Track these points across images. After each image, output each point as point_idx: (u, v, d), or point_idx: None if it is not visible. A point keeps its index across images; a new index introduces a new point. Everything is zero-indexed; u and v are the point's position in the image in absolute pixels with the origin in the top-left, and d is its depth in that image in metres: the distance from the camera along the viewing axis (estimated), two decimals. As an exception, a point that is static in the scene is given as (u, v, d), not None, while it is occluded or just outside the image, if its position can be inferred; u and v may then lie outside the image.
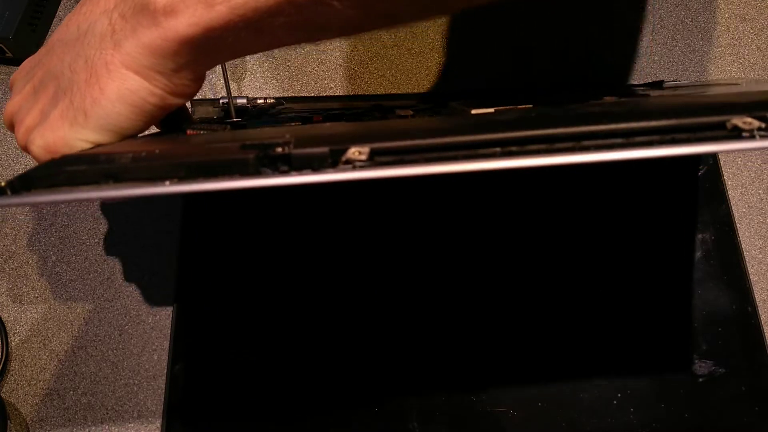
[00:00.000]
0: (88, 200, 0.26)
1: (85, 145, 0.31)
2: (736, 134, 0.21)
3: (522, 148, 0.22)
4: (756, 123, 0.21)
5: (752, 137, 0.21)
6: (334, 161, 0.22)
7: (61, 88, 0.31)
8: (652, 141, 0.22)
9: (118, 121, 0.30)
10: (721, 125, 0.22)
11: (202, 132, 0.38)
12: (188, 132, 0.38)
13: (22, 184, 0.23)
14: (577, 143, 0.22)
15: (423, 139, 0.22)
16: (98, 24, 0.30)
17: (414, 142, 0.22)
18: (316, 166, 0.22)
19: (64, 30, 0.32)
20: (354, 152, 0.22)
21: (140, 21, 0.28)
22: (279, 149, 0.23)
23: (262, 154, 0.23)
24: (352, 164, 0.22)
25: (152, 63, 0.29)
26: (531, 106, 0.40)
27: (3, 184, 0.22)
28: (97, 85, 0.29)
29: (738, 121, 0.22)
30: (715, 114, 0.22)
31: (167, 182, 0.22)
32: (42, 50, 0.34)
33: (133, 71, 0.29)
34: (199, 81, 0.32)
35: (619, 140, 0.22)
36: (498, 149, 0.22)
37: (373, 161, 0.22)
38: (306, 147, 0.22)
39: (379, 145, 0.22)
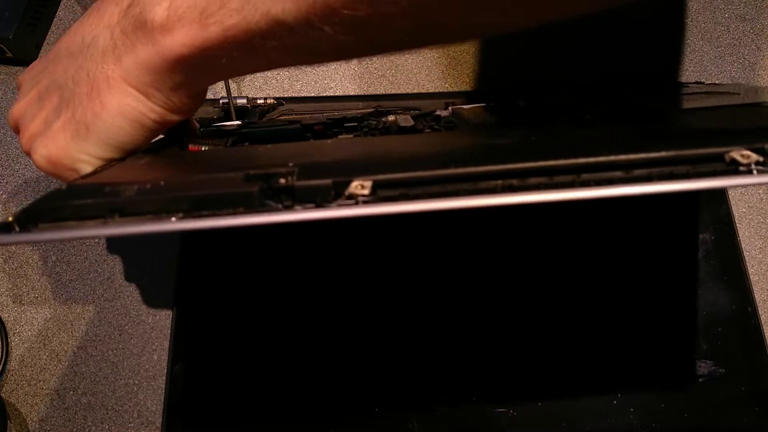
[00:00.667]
0: (95, 236, 0.27)
1: (87, 158, 0.31)
2: (734, 169, 0.22)
3: (523, 181, 0.22)
4: (754, 156, 0.22)
5: (749, 172, 0.22)
6: (337, 194, 0.23)
7: (64, 99, 0.31)
8: (651, 175, 0.23)
9: (118, 135, 0.30)
10: (720, 157, 0.22)
11: (203, 149, 0.38)
12: (190, 147, 0.38)
13: (29, 218, 0.23)
14: (577, 177, 0.23)
15: (425, 170, 0.23)
16: (101, 38, 0.30)
17: (416, 174, 0.23)
18: (319, 200, 0.23)
19: (70, 39, 0.32)
20: (357, 186, 0.22)
21: (139, 37, 0.28)
22: (282, 180, 0.23)
23: (266, 186, 0.23)
24: (354, 199, 0.22)
25: (150, 80, 0.29)
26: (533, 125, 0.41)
27: (10, 219, 0.23)
28: (98, 99, 0.30)
29: (736, 154, 0.22)
30: (714, 144, 0.23)
31: (173, 218, 0.23)
32: (50, 54, 0.34)
33: (133, 87, 0.30)
34: (198, 98, 0.32)
35: (618, 173, 0.23)
36: (499, 182, 0.22)
37: (375, 195, 0.22)
38: (309, 179, 0.23)
39: (381, 177, 0.23)
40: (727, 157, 0.22)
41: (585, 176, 0.22)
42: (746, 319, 0.44)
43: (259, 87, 0.52)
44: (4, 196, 0.48)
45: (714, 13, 0.55)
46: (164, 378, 0.43)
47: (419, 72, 0.53)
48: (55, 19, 0.55)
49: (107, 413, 0.42)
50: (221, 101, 0.47)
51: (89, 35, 0.31)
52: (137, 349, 0.44)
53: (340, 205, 0.22)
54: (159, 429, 0.42)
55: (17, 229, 0.23)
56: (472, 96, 0.52)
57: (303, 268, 0.45)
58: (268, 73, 0.53)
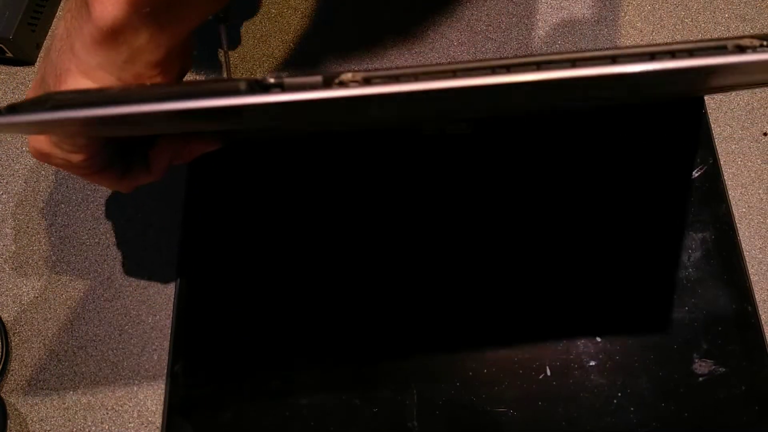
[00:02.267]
0: (73, 120, 0.26)
1: (68, 148, 0.31)
2: (740, 51, 0.21)
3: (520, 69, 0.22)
4: (757, 42, 0.21)
5: (756, 52, 0.21)
6: (326, 86, 0.22)
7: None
8: (654, 58, 0.21)
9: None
10: (723, 48, 0.21)
11: None
12: None
13: (9, 110, 0.23)
14: (571, 64, 0.22)
15: (418, 67, 0.22)
16: (60, 28, 0.30)
17: (409, 69, 0.22)
18: (308, 89, 0.22)
19: (52, 33, 0.32)
20: (347, 76, 0.22)
21: (83, 16, 0.27)
22: (272, 80, 0.22)
23: (255, 84, 0.22)
24: (345, 85, 0.22)
25: (99, 62, 0.28)
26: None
27: None
28: None
29: (739, 41, 0.21)
30: (716, 41, 0.22)
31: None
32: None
33: (86, 76, 0.29)
34: (160, 76, 0.30)
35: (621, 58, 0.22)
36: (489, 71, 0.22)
37: (366, 83, 0.22)
38: (299, 77, 0.22)
39: (372, 72, 0.22)
40: (730, 45, 0.21)
41: (580, 64, 0.22)
42: (746, 318, 0.44)
43: (259, 87, 0.52)
44: (4, 197, 0.48)
45: (714, 13, 0.55)
46: (164, 378, 0.43)
47: (419, 72, 0.53)
48: (55, 19, 0.55)
49: (107, 413, 0.42)
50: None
51: (57, 27, 0.31)
52: (137, 349, 0.44)
53: (330, 89, 0.21)
54: (159, 429, 0.42)
55: None
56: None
57: (302, 266, 0.45)
58: (268, 73, 0.53)
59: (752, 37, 0.21)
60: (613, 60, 0.22)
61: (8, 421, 0.41)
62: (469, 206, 0.46)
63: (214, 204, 0.47)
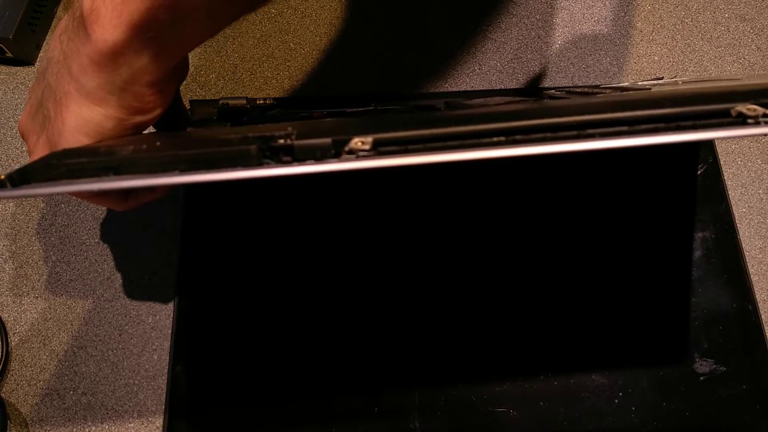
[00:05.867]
0: (88, 191, 0.27)
1: None
2: (741, 121, 0.21)
3: (526, 137, 0.22)
4: (761, 110, 0.21)
5: (758, 123, 0.21)
6: (337, 152, 0.22)
7: (44, 117, 0.31)
8: (658, 128, 0.22)
9: None
10: (726, 113, 0.22)
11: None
12: (188, 130, 0.38)
13: (22, 177, 0.23)
14: (581, 131, 0.22)
15: (427, 129, 0.22)
16: (55, 51, 0.30)
17: (418, 132, 0.22)
18: (318, 156, 0.22)
19: (45, 54, 0.32)
20: (357, 142, 0.22)
21: (80, 38, 0.27)
22: (281, 141, 0.22)
23: (264, 146, 0.22)
24: (355, 154, 0.21)
25: (99, 84, 0.28)
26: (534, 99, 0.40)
27: (2, 177, 0.22)
28: (59, 117, 0.29)
29: (742, 108, 0.21)
30: (719, 102, 0.22)
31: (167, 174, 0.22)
32: (40, 66, 0.34)
33: (86, 98, 0.28)
34: (159, 93, 0.30)
35: (624, 128, 0.22)
36: (502, 138, 0.22)
37: (376, 151, 0.22)
38: (309, 138, 0.22)
39: (382, 135, 0.22)
40: (733, 112, 0.21)
41: (589, 131, 0.22)
42: (747, 317, 0.44)
43: (259, 87, 0.52)
44: (3, 196, 0.48)
45: (714, 13, 0.55)
46: (164, 378, 0.43)
47: (420, 72, 0.53)
48: (55, 19, 0.55)
49: (107, 413, 0.42)
50: (220, 102, 0.47)
51: (50, 50, 0.31)
52: (137, 349, 0.44)
53: (340, 160, 0.21)
54: (159, 429, 0.42)
55: (9, 186, 0.22)
56: (472, 96, 0.52)
57: (303, 267, 0.45)
58: (268, 73, 0.53)
59: (756, 97, 0.22)
60: (620, 130, 0.22)
61: (8, 421, 0.41)
62: (471, 212, 0.46)
63: (213, 205, 0.47)
